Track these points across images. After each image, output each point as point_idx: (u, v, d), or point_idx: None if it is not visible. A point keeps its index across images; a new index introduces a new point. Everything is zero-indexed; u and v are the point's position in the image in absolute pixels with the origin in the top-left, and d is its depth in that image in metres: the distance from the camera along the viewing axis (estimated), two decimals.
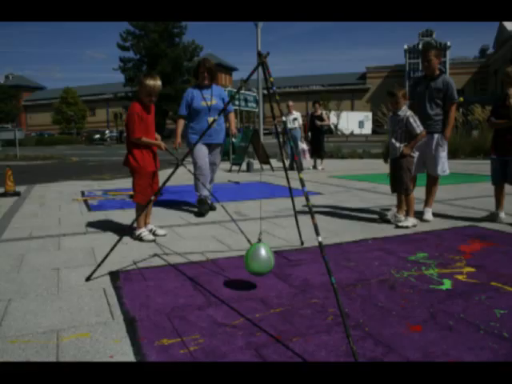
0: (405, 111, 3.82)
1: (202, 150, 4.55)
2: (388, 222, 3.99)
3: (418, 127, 3.75)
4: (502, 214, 3.96)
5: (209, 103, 4.58)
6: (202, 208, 4.55)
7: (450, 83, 3.99)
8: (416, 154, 3.95)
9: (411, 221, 3.81)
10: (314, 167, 9.85)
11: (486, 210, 4.39)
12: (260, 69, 2.56)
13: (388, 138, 4.08)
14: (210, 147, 4.67)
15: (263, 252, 2.30)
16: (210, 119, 4.52)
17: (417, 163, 4.03)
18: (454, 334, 1.83)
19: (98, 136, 42.67)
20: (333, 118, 48.88)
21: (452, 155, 11.00)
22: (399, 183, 3.85)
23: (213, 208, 4.82)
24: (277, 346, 1.75)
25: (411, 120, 3.75)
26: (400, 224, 3.81)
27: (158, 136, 3.65)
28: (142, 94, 3.47)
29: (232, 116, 4.95)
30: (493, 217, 3.99)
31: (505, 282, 2.43)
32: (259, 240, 2.36)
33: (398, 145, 3.84)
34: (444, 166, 4.10)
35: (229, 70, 68.72)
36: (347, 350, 1.69)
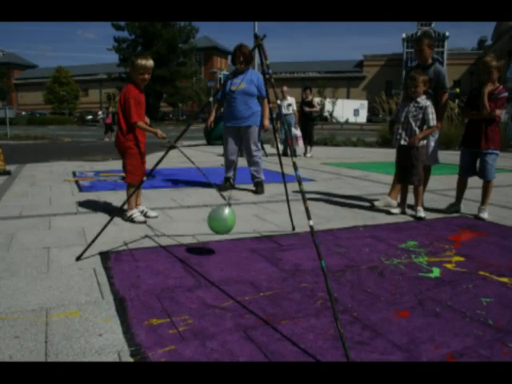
0: (425, 100, 3.75)
1: (228, 135, 4.93)
2: (378, 209, 4.00)
3: (433, 120, 3.71)
4: (461, 206, 4.05)
5: (234, 88, 4.77)
6: (222, 185, 5.02)
7: (440, 72, 3.96)
8: (424, 143, 3.88)
9: (422, 211, 3.82)
10: (305, 154, 9.79)
11: (477, 200, 4.43)
12: (256, 52, 2.53)
13: (396, 124, 3.91)
14: (240, 131, 4.92)
15: (224, 212, 2.61)
16: (237, 104, 4.78)
17: None
18: (441, 321, 1.86)
19: (90, 117, 42.10)
20: (328, 106, 48.72)
21: (446, 146, 11.04)
22: (413, 173, 3.80)
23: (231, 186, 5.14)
24: (265, 328, 1.77)
25: (429, 110, 3.70)
26: (418, 215, 3.77)
27: (147, 119, 3.60)
28: (135, 75, 3.42)
29: (265, 103, 4.86)
30: (453, 208, 4.02)
31: (492, 272, 2.47)
32: (229, 205, 2.65)
33: (417, 131, 3.75)
34: (435, 155, 4.11)
35: (225, 53, 67.89)
36: (335, 333, 1.71)
